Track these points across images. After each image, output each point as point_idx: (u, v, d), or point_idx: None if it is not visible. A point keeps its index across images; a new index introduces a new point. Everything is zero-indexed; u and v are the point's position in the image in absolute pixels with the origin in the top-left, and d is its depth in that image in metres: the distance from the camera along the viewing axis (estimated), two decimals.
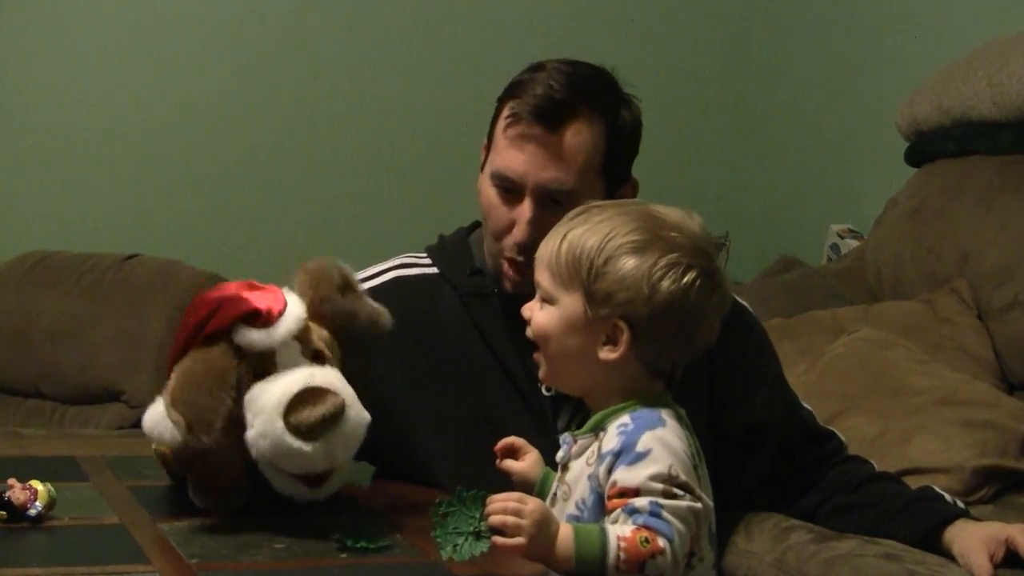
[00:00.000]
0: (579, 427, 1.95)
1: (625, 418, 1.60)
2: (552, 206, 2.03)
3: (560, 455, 1.69)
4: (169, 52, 4.24)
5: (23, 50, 4.14)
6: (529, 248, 2.03)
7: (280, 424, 1.74)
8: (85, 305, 3.78)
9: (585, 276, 1.62)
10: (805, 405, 2.22)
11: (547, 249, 1.67)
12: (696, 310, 1.62)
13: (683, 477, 1.55)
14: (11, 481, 1.74)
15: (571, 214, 1.69)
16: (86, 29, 4.18)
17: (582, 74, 2.09)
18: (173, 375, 1.78)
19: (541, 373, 1.71)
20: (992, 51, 3.27)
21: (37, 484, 1.73)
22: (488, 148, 2.13)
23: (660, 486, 1.53)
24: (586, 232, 1.63)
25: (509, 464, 1.81)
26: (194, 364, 1.77)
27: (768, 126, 4.77)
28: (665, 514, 1.52)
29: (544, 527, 1.52)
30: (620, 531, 1.52)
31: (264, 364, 1.80)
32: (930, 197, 3.40)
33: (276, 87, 4.33)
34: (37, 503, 1.71)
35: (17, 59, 4.14)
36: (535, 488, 1.77)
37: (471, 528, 1.55)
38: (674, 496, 1.53)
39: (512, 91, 2.09)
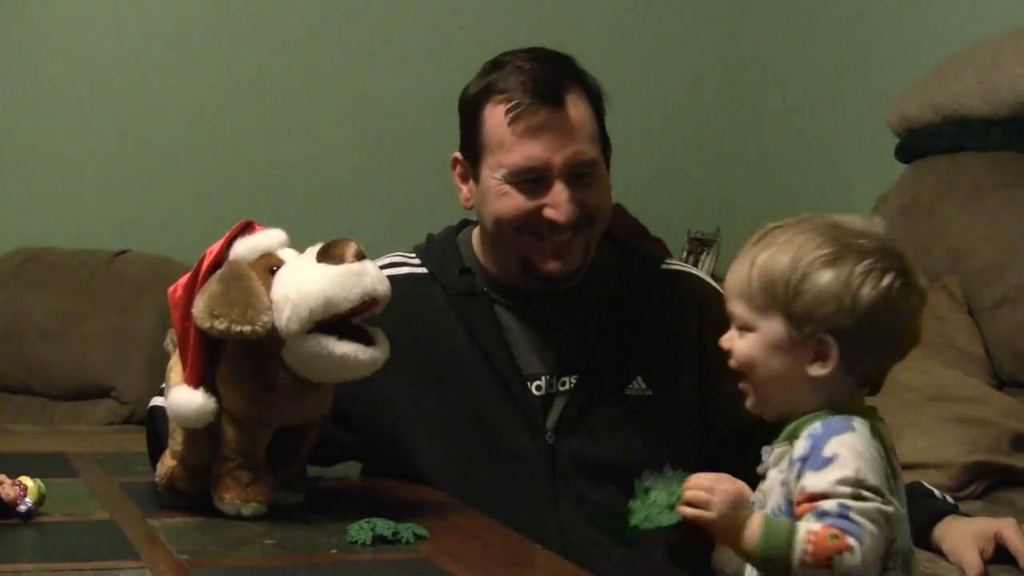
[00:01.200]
0: (562, 427, 1.96)
1: (816, 424, 1.58)
2: (580, 180, 2.05)
3: (760, 467, 1.66)
4: (159, 48, 4.23)
5: (12, 48, 4.14)
6: (571, 228, 2.05)
7: (321, 264, 1.74)
8: (76, 302, 3.78)
9: (782, 297, 1.58)
10: None
11: (737, 277, 1.64)
12: (898, 312, 1.59)
13: (871, 481, 1.52)
14: (1, 477, 1.73)
15: (753, 239, 1.65)
16: (73, 27, 4.17)
17: (544, 54, 2.11)
18: (197, 304, 1.75)
19: (749, 403, 1.67)
20: (983, 49, 3.27)
21: (27, 480, 1.73)
22: (475, 155, 2.11)
23: (848, 489, 1.50)
24: (774, 254, 1.60)
25: None
26: (211, 285, 1.76)
27: (759, 123, 4.77)
28: (853, 515, 1.49)
29: (735, 509, 1.53)
30: (809, 526, 1.50)
31: (273, 263, 1.79)
32: (921, 194, 3.40)
33: (267, 83, 4.32)
34: (27, 499, 1.71)
35: (6, 57, 4.13)
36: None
37: (668, 502, 1.58)
38: (863, 499, 1.51)
39: (489, 91, 2.08)
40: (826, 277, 1.57)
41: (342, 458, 2.19)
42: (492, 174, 2.08)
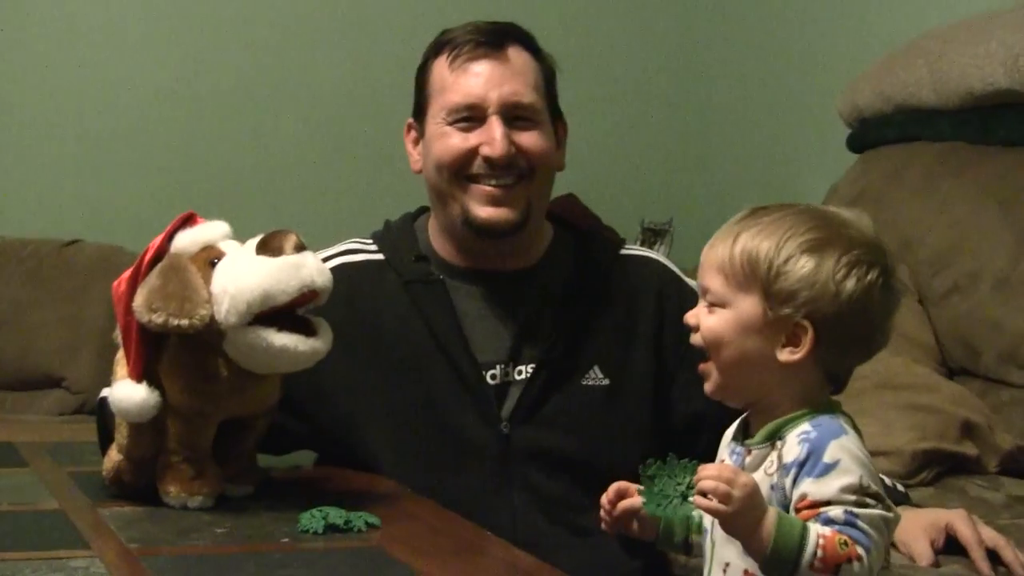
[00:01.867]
0: (517, 417, 1.93)
1: (805, 426, 1.53)
2: (516, 123, 2.08)
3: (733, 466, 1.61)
4: (110, 39, 4.21)
5: None
6: (506, 166, 2.06)
7: (260, 257, 1.73)
8: (25, 291, 3.76)
9: (764, 276, 1.54)
10: None
11: (718, 252, 1.59)
12: (877, 309, 1.56)
13: (874, 487, 1.49)
14: None
15: (737, 217, 1.61)
16: (23, 20, 4.14)
17: (497, 23, 2.17)
18: (136, 298, 1.74)
19: (708, 386, 1.61)
20: (933, 39, 3.29)
21: None
22: (422, 111, 2.15)
23: (853, 497, 1.47)
24: (760, 232, 1.56)
25: (627, 504, 1.67)
26: (151, 279, 1.75)
27: (711, 113, 4.79)
28: (861, 523, 1.46)
29: (752, 503, 1.45)
30: (821, 530, 1.45)
31: (214, 255, 1.79)
32: (871, 184, 3.42)
33: (220, 74, 4.31)
34: None
35: None
36: (661, 530, 1.69)
37: (677, 492, 1.52)
38: (867, 506, 1.47)
39: (437, 47, 2.14)
40: (812, 262, 1.53)
41: (294, 447, 2.18)
42: (435, 120, 2.11)
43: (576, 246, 2.21)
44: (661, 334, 2.14)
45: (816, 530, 1.44)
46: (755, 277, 1.55)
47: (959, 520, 1.93)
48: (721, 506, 1.44)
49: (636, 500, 1.63)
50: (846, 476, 1.48)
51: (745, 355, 1.56)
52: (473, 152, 2.07)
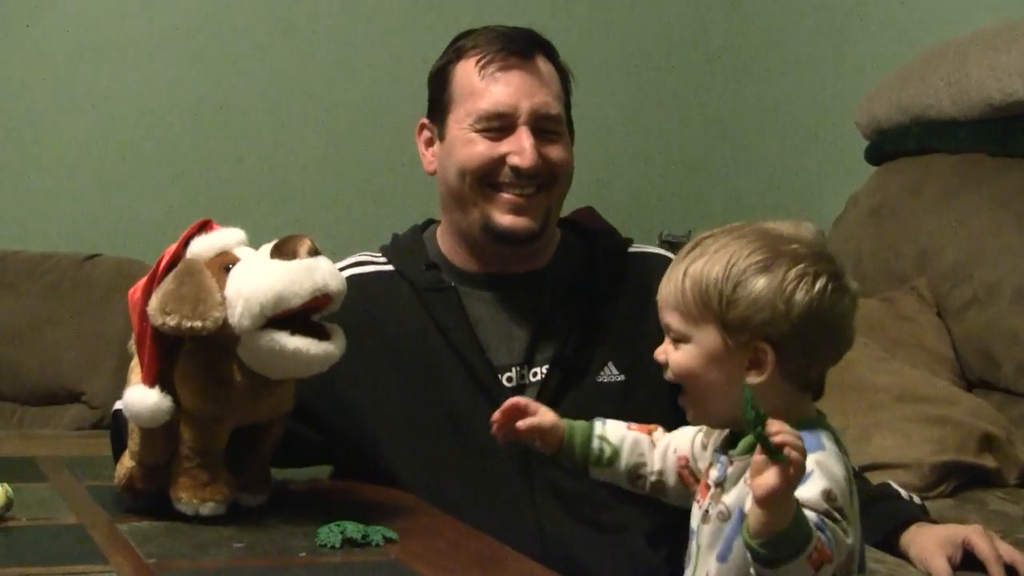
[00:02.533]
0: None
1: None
2: (545, 136, 2.08)
3: (715, 475, 1.62)
4: (128, 54, 4.23)
5: None
6: (534, 176, 2.07)
7: (273, 260, 1.74)
8: (45, 305, 3.77)
9: (717, 307, 1.57)
10: None
11: (669, 289, 1.62)
12: (832, 315, 1.57)
13: (840, 503, 1.50)
14: None
15: (684, 250, 1.64)
16: (41, 34, 4.16)
17: (514, 29, 2.17)
18: (151, 302, 1.74)
19: (689, 415, 1.65)
20: (951, 50, 3.28)
21: None
22: (443, 113, 2.14)
23: (826, 505, 1.48)
24: (707, 263, 1.59)
25: (531, 422, 1.77)
26: (165, 283, 1.75)
27: (730, 125, 4.78)
28: (827, 532, 1.47)
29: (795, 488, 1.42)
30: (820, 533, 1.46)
31: (229, 260, 1.79)
32: (890, 195, 3.41)
33: (236, 88, 4.32)
34: None
35: None
36: (565, 438, 1.77)
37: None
38: (834, 519, 1.48)
39: (460, 51, 2.14)
40: (759, 284, 1.55)
41: (312, 459, 2.18)
42: (459, 125, 2.11)
43: (584, 246, 2.22)
44: None
45: (816, 533, 1.44)
46: (708, 309, 1.58)
47: (976, 535, 1.93)
48: (796, 462, 1.39)
49: (540, 418, 1.76)
50: (822, 483, 1.49)
51: (715, 385, 1.59)
52: (500, 160, 2.08)
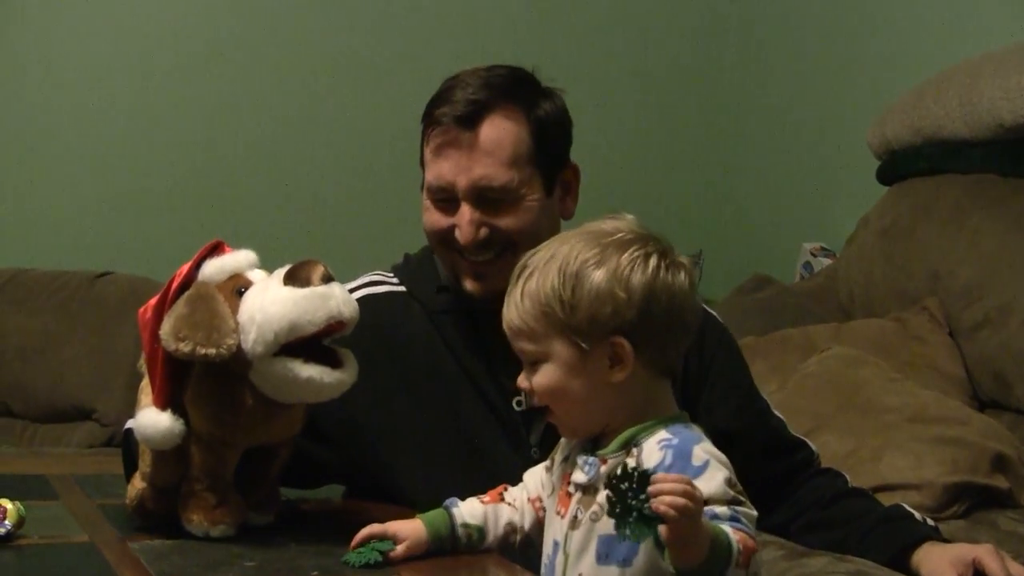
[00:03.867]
0: (546, 443, 1.94)
1: (663, 434, 1.57)
2: (491, 203, 2.05)
3: (585, 477, 1.62)
4: (139, 71, 4.23)
5: None
6: (480, 247, 2.05)
7: (287, 287, 1.73)
8: (56, 323, 3.77)
9: (562, 316, 1.58)
10: (776, 413, 2.22)
11: (512, 316, 1.64)
12: (672, 290, 1.59)
13: (736, 483, 1.53)
14: None
15: (514, 275, 1.66)
16: (54, 52, 4.17)
17: (495, 73, 2.11)
18: (163, 326, 1.74)
19: (564, 432, 1.67)
20: (963, 71, 3.29)
21: (6, 502, 1.72)
22: (422, 170, 2.15)
23: (732, 492, 1.51)
24: (540, 278, 1.61)
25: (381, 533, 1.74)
26: (178, 307, 1.75)
27: (740, 145, 4.79)
28: (743, 520, 1.50)
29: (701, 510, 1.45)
30: (726, 527, 1.47)
31: (241, 284, 1.79)
32: (901, 216, 3.41)
33: (248, 103, 4.33)
34: (6, 521, 1.70)
35: None
36: (428, 537, 1.74)
37: (638, 506, 1.41)
38: (740, 503, 1.51)
39: (430, 106, 2.12)
40: (595, 279, 1.57)
41: (324, 479, 2.18)
42: (424, 191, 2.12)
43: None
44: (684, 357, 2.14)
45: (731, 532, 1.47)
46: (553, 322, 1.58)
47: (987, 554, 1.93)
48: (686, 514, 1.39)
49: (395, 528, 1.71)
50: (721, 472, 1.52)
51: (581, 394, 1.60)
52: (450, 231, 2.08)
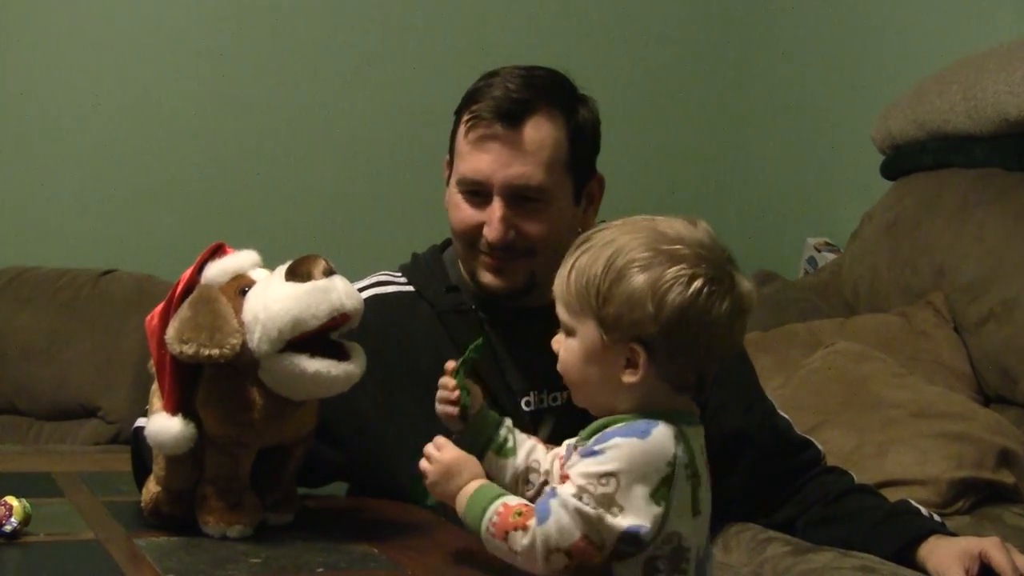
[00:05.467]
0: (554, 443, 1.94)
1: (618, 425, 1.58)
2: (522, 203, 2.05)
3: (552, 466, 1.69)
4: (142, 68, 4.23)
5: None
6: (504, 248, 2.05)
7: (289, 283, 1.73)
8: (61, 321, 3.77)
9: (594, 303, 1.58)
10: (782, 414, 2.23)
11: (559, 281, 1.64)
12: (708, 318, 1.56)
13: (611, 488, 1.52)
14: None
15: (578, 240, 1.65)
16: (57, 49, 4.17)
17: (537, 75, 2.11)
18: (168, 331, 1.74)
19: (575, 399, 1.68)
20: (967, 65, 3.28)
21: (12, 500, 1.72)
22: (451, 161, 2.14)
23: (583, 482, 1.52)
24: (591, 257, 1.60)
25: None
26: (181, 311, 1.75)
27: (745, 140, 4.78)
28: (552, 501, 1.53)
29: (449, 477, 1.65)
30: (507, 501, 1.57)
31: (244, 284, 1.79)
32: (906, 211, 3.41)
33: (251, 102, 4.33)
34: (12, 519, 1.70)
35: None
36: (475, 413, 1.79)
37: None
38: (581, 496, 1.52)
39: (469, 99, 2.11)
40: (635, 283, 1.56)
41: (331, 477, 2.18)
42: (454, 180, 2.11)
43: None
44: None
45: (501, 502, 1.57)
46: (588, 304, 1.59)
47: (993, 547, 1.93)
48: (428, 473, 1.68)
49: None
50: (596, 465, 1.53)
51: (594, 381, 1.62)
52: (479, 227, 2.08)
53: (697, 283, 1.55)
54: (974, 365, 3.04)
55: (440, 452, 1.68)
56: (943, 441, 2.62)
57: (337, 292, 1.75)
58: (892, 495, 2.20)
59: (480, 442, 1.76)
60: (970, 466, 2.58)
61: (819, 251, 4.08)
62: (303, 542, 1.76)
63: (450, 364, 1.80)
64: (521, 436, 1.79)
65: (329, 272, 1.75)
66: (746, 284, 1.61)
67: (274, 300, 1.73)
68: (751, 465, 2.15)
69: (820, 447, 2.22)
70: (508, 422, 1.79)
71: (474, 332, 2.11)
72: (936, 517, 2.08)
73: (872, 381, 2.85)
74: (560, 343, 1.66)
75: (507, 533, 1.54)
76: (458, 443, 1.73)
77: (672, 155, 4.80)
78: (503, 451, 1.76)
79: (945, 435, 2.64)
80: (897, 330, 3.14)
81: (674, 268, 1.56)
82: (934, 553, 1.96)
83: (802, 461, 2.18)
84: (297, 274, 1.75)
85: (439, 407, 1.80)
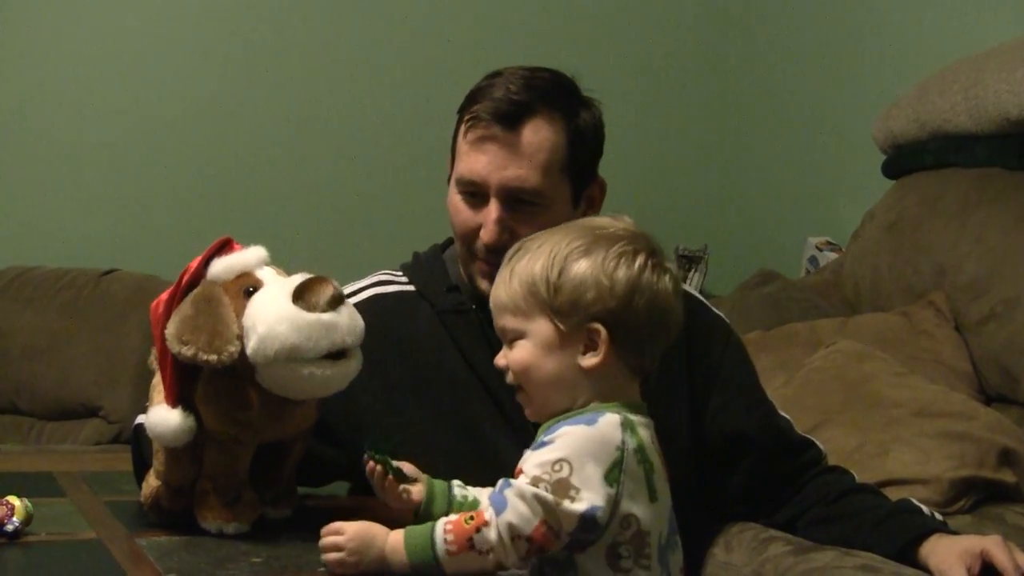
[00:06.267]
0: None
1: (567, 416, 1.62)
2: (519, 206, 2.05)
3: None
4: (145, 67, 4.23)
5: None
6: (499, 250, 2.04)
7: (295, 307, 1.72)
8: (62, 321, 3.77)
9: (545, 295, 1.64)
10: (782, 414, 2.22)
11: (499, 292, 1.69)
12: (655, 290, 1.65)
13: (565, 472, 1.54)
14: None
15: (507, 256, 1.72)
16: (58, 49, 4.17)
17: (539, 76, 2.11)
18: (169, 327, 1.74)
19: (528, 412, 1.70)
20: (968, 65, 3.28)
21: (14, 500, 1.72)
22: (452, 160, 2.14)
23: (537, 471, 1.55)
24: (530, 259, 1.67)
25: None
26: (184, 307, 1.75)
27: (746, 141, 4.79)
28: (508, 491, 1.55)
29: (367, 544, 1.59)
30: (450, 516, 1.57)
31: (250, 283, 1.78)
32: (907, 210, 3.41)
33: (252, 101, 4.33)
34: (14, 519, 1.71)
35: None
36: (426, 492, 1.79)
37: None
38: (536, 484, 1.54)
39: (471, 99, 2.10)
40: (582, 265, 1.63)
41: (332, 477, 2.19)
42: (453, 182, 2.12)
43: None
44: (690, 357, 2.14)
45: (443, 522, 1.56)
46: (537, 301, 1.64)
47: (995, 546, 1.93)
48: (345, 560, 1.58)
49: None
50: (547, 454, 1.56)
51: (552, 374, 1.65)
52: (477, 230, 2.08)
53: (640, 258, 1.65)
54: (975, 364, 3.04)
55: (342, 531, 1.61)
56: (944, 440, 2.62)
57: (340, 331, 1.74)
58: (893, 494, 2.20)
59: (443, 508, 1.77)
60: (971, 465, 2.58)
61: (820, 250, 4.08)
62: (304, 541, 1.76)
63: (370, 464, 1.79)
64: (474, 489, 1.81)
65: (336, 301, 1.75)
66: (674, 266, 1.71)
67: (278, 321, 1.72)
68: (752, 465, 2.15)
69: (821, 447, 2.22)
70: (456, 482, 1.82)
71: (474, 331, 2.12)
72: (938, 516, 2.08)
73: (873, 380, 2.85)
74: (505, 357, 1.69)
75: (470, 539, 1.54)
76: (422, 519, 1.73)
77: (673, 155, 4.80)
78: (467, 504, 1.78)
79: (946, 434, 2.64)
80: (898, 329, 3.14)
81: (615, 247, 1.64)
82: (936, 552, 1.96)
83: (803, 461, 2.18)
84: (304, 300, 1.74)
85: (391, 503, 1.80)
